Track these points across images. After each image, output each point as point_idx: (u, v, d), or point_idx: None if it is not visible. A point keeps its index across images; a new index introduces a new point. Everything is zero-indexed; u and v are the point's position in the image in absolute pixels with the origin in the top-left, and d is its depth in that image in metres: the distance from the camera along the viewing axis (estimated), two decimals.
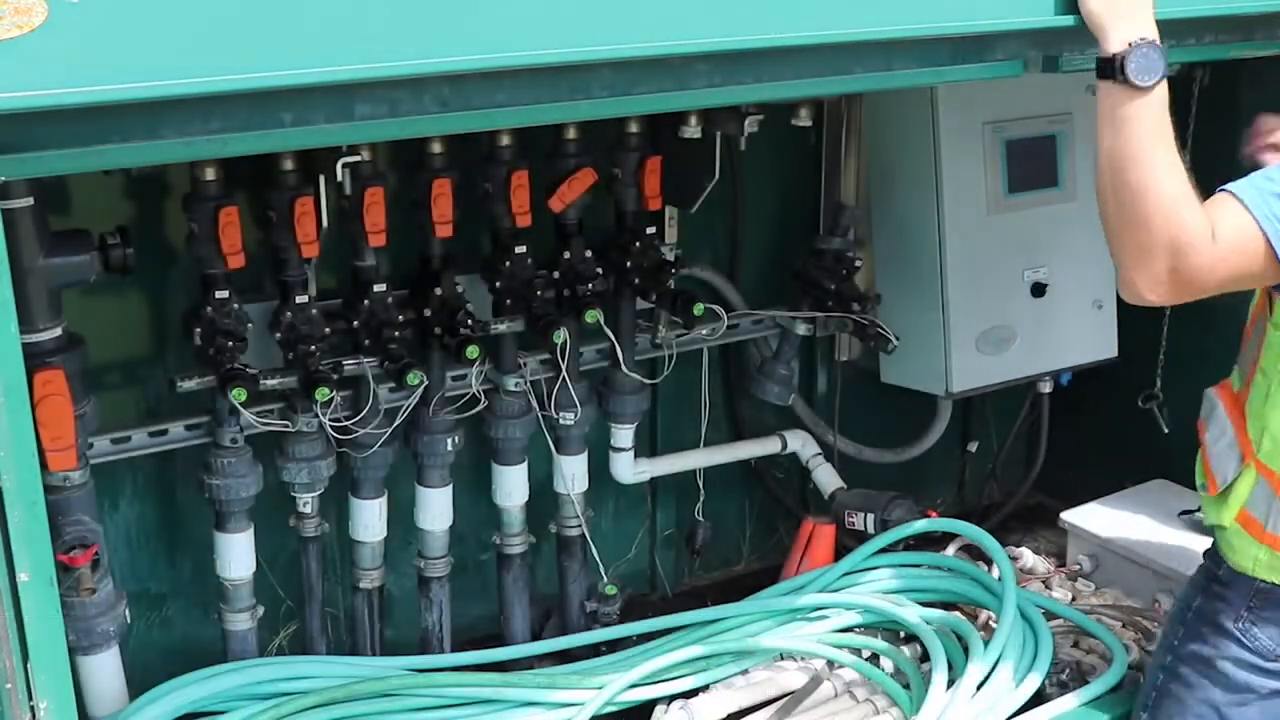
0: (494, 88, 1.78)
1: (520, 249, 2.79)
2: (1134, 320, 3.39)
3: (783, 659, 2.86)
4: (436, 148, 2.62)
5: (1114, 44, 1.94)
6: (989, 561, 3.06)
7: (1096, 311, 3.39)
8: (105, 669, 2.51)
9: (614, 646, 2.98)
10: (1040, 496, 3.79)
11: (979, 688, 2.62)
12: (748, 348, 3.39)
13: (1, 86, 1.43)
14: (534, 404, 2.95)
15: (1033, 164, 3.16)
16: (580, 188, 2.75)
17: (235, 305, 2.54)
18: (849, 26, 1.91)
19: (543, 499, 3.10)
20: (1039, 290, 3.27)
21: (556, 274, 2.87)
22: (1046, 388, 3.53)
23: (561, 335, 2.84)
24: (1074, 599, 3.19)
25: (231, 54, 1.54)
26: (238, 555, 2.70)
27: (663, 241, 3.05)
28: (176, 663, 2.71)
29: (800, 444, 3.42)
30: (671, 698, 2.77)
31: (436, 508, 2.92)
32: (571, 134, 2.76)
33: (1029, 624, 2.84)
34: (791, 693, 2.76)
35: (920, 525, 3.14)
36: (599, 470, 3.16)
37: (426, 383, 2.72)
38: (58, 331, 2.26)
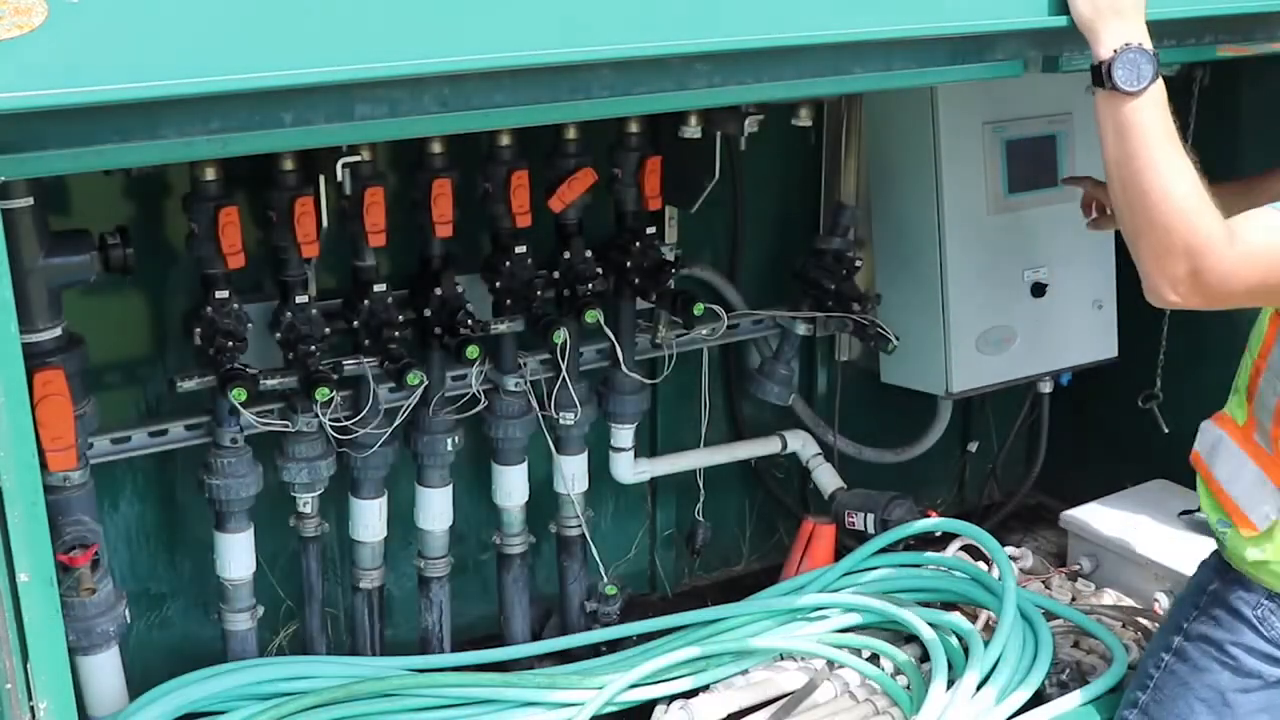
0: (494, 88, 1.77)
1: (520, 249, 2.79)
2: (1134, 320, 3.39)
3: (783, 659, 2.86)
4: (436, 148, 2.62)
5: (1102, 50, 1.95)
6: (989, 561, 3.06)
7: (1096, 311, 3.39)
8: (105, 669, 2.51)
9: (614, 646, 2.98)
10: (1040, 496, 3.79)
11: (979, 688, 2.62)
12: (748, 348, 3.39)
13: (1, 86, 1.43)
14: (534, 404, 2.95)
15: (1033, 164, 3.16)
16: (580, 188, 2.75)
17: (235, 305, 2.54)
18: (849, 26, 1.91)
19: (543, 499, 3.10)
20: (1039, 290, 3.27)
21: (556, 274, 2.87)
22: (1046, 388, 3.53)
23: (561, 335, 2.84)
24: (1074, 599, 3.19)
25: (231, 54, 1.54)
26: (238, 555, 2.70)
27: (663, 241, 3.06)
28: (176, 663, 2.71)
29: (800, 444, 3.42)
30: (671, 698, 2.77)
31: (436, 508, 2.92)
32: (571, 134, 2.76)
33: (1029, 624, 2.84)
34: (791, 693, 2.76)
35: (920, 525, 3.14)
36: (599, 470, 3.16)
37: (426, 383, 2.72)
38: (58, 331, 2.26)
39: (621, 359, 3.01)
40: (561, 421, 2.99)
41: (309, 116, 1.69)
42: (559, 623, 3.18)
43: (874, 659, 2.84)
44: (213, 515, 2.70)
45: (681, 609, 3.04)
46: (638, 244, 2.92)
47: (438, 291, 2.72)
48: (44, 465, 2.05)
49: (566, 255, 2.86)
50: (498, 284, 2.81)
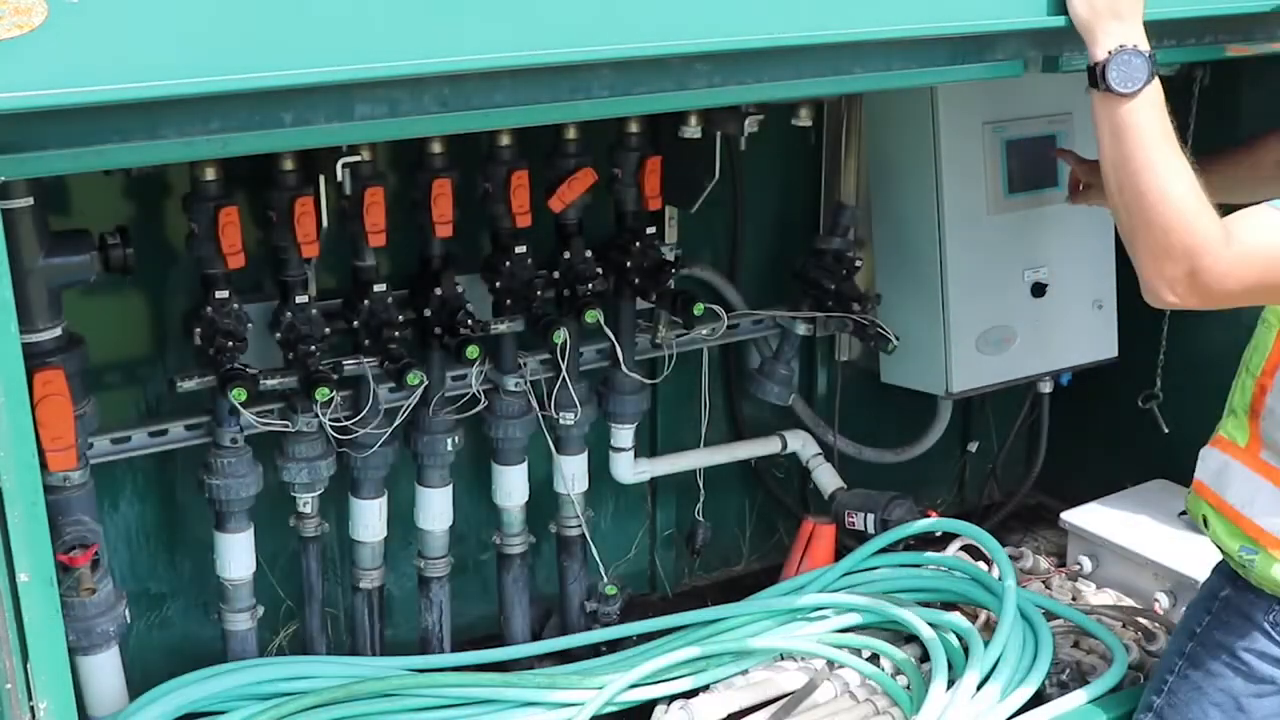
0: (494, 88, 1.77)
1: (520, 249, 2.79)
2: (1134, 320, 3.39)
3: (783, 659, 2.86)
4: (436, 148, 2.62)
5: (1098, 52, 1.95)
6: (989, 561, 3.06)
7: (1096, 311, 3.39)
8: (105, 669, 2.51)
9: (614, 646, 2.98)
10: (1040, 496, 3.80)
11: (979, 688, 2.62)
12: (748, 348, 3.39)
13: (1, 86, 1.43)
14: (534, 404, 2.95)
15: (1033, 164, 3.16)
16: (580, 188, 2.75)
17: (235, 305, 2.54)
18: (849, 26, 1.91)
19: (543, 499, 3.10)
20: (1039, 290, 3.27)
21: (556, 274, 2.87)
22: (1046, 388, 3.53)
23: (561, 335, 2.84)
24: (1074, 599, 3.19)
25: (231, 54, 1.54)
26: (238, 555, 2.70)
27: (663, 241, 3.06)
28: (176, 663, 2.71)
29: (800, 444, 3.42)
30: (671, 698, 2.77)
31: (436, 508, 2.92)
32: (571, 134, 2.76)
33: (1029, 624, 2.84)
34: (791, 693, 2.76)
35: (920, 525, 3.14)
36: (599, 470, 3.16)
37: (426, 383, 2.72)
38: (58, 331, 2.26)
39: (621, 359, 3.01)
40: (561, 421, 2.99)
41: (309, 116, 1.69)
42: (559, 623, 3.18)
43: (874, 659, 2.84)
44: (213, 515, 2.70)
45: (681, 609, 3.04)
46: (638, 244, 2.92)
47: (438, 291, 2.72)
48: (44, 465, 2.05)
49: (566, 255, 2.86)
50: (498, 284, 2.81)
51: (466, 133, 2.48)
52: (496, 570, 3.11)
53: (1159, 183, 1.92)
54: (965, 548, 3.15)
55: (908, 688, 2.75)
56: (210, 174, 2.44)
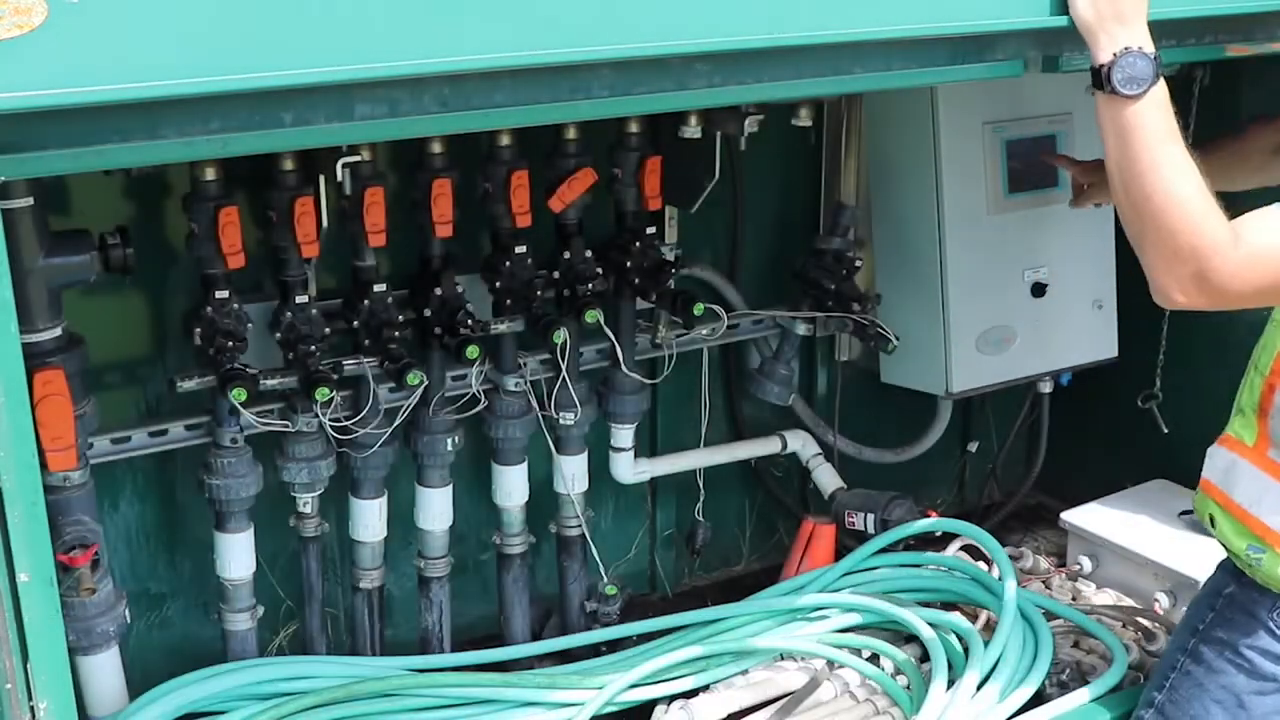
0: (494, 88, 1.77)
1: (520, 249, 2.79)
2: (1134, 320, 3.39)
3: (783, 659, 2.86)
4: (436, 148, 2.62)
5: (1102, 54, 1.94)
6: (989, 561, 3.06)
7: (1096, 311, 3.39)
8: (105, 669, 2.51)
9: (614, 646, 2.98)
10: (1040, 496, 3.80)
11: (979, 688, 2.62)
12: (748, 348, 3.39)
13: (1, 86, 1.43)
14: (534, 404, 2.95)
15: (1033, 164, 3.16)
16: (580, 188, 2.75)
17: (235, 305, 2.54)
18: (849, 26, 1.91)
19: (543, 499, 3.10)
20: (1039, 290, 3.27)
21: (556, 274, 2.87)
22: (1046, 388, 3.53)
23: (561, 335, 2.84)
24: (1074, 599, 3.19)
25: (231, 54, 1.54)
26: (238, 555, 2.70)
27: (663, 241, 3.06)
28: (176, 663, 2.71)
29: (800, 444, 3.42)
30: (671, 698, 2.77)
31: (436, 508, 2.92)
32: (571, 134, 2.76)
33: (1029, 624, 2.84)
34: (791, 693, 2.76)
35: (920, 525, 3.14)
36: (599, 470, 3.16)
37: (426, 383, 2.72)
38: (58, 331, 2.26)
39: (621, 359, 3.01)
40: (561, 421, 2.99)
41: (309, 116, 1.69)
42: (559, 623, 3.18)
43: (874, 659, 2.84)
44: (213, 515, 2.70)
45: (681, 609, 3.04)
46: (638, 244, 2.92)
47: (438, 291, 2.72)
48: (44, 465, 2.05)
49: (566, 255, 2.86)
50: (498, 284, 2.81)
51: (466, 133, 2.48)
52: (496, 570, 3.11)
53: (1165, 184, 1.92)
54: (965, 548, 3.15)
55: (908, 688, 2.75)
56: (210, 174, 2.44)
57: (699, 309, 2.94)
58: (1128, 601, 3.16)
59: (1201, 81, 3.22)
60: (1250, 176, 2.09)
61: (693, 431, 3.38)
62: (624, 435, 3.15)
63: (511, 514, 3.04)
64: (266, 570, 2.85)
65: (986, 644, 2.72)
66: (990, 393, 3.47)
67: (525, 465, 3.01)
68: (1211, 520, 2.26)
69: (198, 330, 2.53)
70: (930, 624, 2.83)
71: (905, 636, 2.89)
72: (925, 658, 2.80)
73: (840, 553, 3.21)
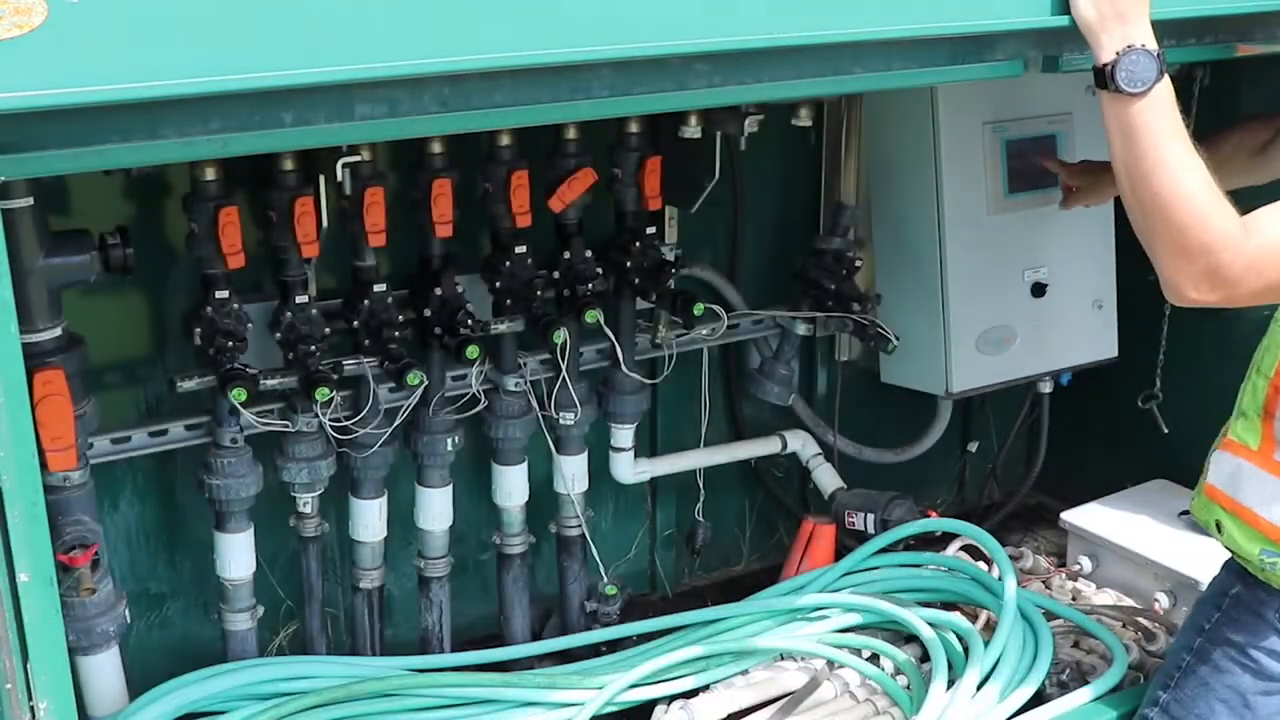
0: (494, 88, 1.77)
1: (520, 249, 2.79)
2: (1134, 320, 3.39)
3: (783, 659, 2.86)
4: (436, 148, 2.62)
5: (1105, 53, 1.94)
6: (989, 561, 3.06)
7: (1096, 311, 3.39)
8: (105, 669, 2.51)
9: (614, 646, 2.98)
10: (1040, 496, 3.80)
11: (979, 688, 2.62)
12: (748, 348, 3.39)
13: (1, 86, 1.43)
14: (534, 404, 2.95)
15: (1033, 164, 3.16)
16: (580, 188, 2.75)
17: (235, 305, 2.54)
18: (849, 26, 1.91)
19: (543, 499, 3.10)
20: (1039, 290, 3.27)
21: (556, 274, 2.87)
22: (1046, 388, 3.53)
23: (561, 335, 2.84)
24: (1074, 599, 3.19)
25: (231, 54, 1.54)
26: (238, 555, 2.70)
27: (663, 241, 3.06)
28: (176, 663, 2.71)
29: (800, 444, 3.42)
30: (671, 698, 2.77)
31: (436, 508, 2.92)
32: (571, 134, 2.76)
33: (1029, 624, 2.84)
34: (791, 693, 2.76)
35: (920, 525, 3.14)
36: (599, 470, 3.16)
37: (426, 383, 2.72)
38: (58, 331, 2.26)
39: (621, 359, 3.01)
40: (561, 421, 2.99)
41: (309, 116, 1.69)
42: (559, 623, 3.18)
43: (874, 659, 2.84)
44: (213, 515, 2.70)
45: (681, 609, 3.04)
46: (638, 244, 2.92)
47: (438, 291, 2.72)
48: (44, 465, 2.05)
49: (566, 255, 2.86)
50: (498, 284, 2.81)
51: (466, 133, 2.48)
52: (496, 570, 3.11)
53: (1172, 181, 1.92)
54: (965, 548, 3.15)
55: (908, 688, 2.75)
56: (210, 174, 2.43)
57: (699, 309, 2.94)
58: (1128, 601, 3.16)
59: (1201, 81, 3.22)
60: (1234, 177, 2.09)
61: (693, 431, 3.38)
62: (624, 435, 3.15)
63: (511, 514, 3.04)
64: (266, 570, 2.85)
65: (986, 644, 2.72)
66: (990, 393, 3.47)
67: (525, 465, 3.01)
68: (1218, 526, 2.25)
69: (198, 330, 2.53)
70: (930, 624, 2.83)
71: (905, 636, 2.89)
72: (925, 658, 2.80)
73: (840, 553, 3.21)
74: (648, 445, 3.34)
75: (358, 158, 2.50)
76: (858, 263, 3.18)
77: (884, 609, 2.90)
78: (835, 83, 2.06)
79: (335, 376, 2.60)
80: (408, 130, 1.79)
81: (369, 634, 2.92)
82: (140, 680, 2.60)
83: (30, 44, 1.43)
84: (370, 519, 2.85)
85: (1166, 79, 1.95)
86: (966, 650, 2.73)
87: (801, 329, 3.28)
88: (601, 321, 2.87)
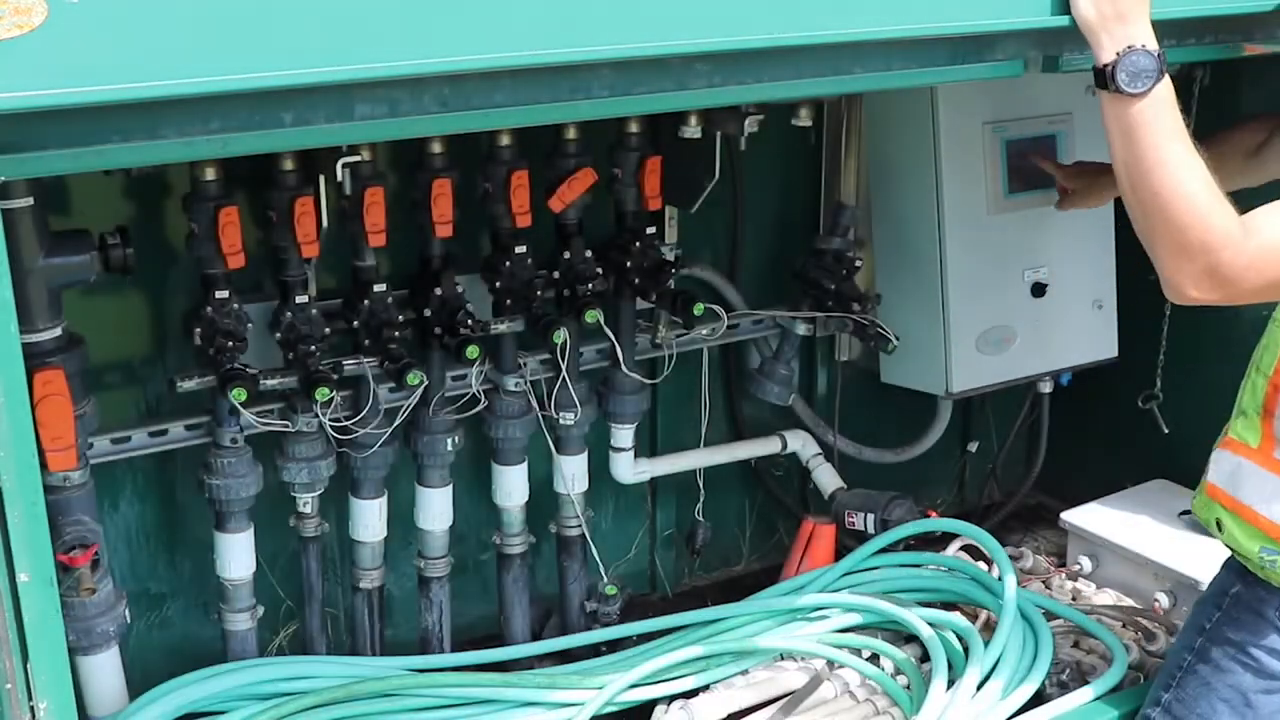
0: (494, 88, 1.77)
1: (520, 249, 2.79)
2: (1134, 320, 3.39)
3: (783, 659, 2.86)
4: (436, 148, 2.62)
5: (1105, 54, 1.94)
6: (989, 561, 3.06)
7: (1096, 311, 3.39)
8: (105, 669, 2.51)
9: (614, 646, 2.98)
10: (1040, 496, 3.80)
11: (979, 688, 2.62)
12: (748, 348, 3.39)
13: (1, 86, 1.43)
14: (534, 404, 2.95)
15: (1033, 164, 3.16)
16: (580, 188, 2.75)
17: (235, 305, 2.54)
18: (849, 26, 1.91)
19: (543, 499, 3.10)
20: (1039, 290, 3.27)
21: (556, 274, 2.87)
22: (1046, 388, 3.53)
23: (561, 335, 2.84)
24: (1074, 599, 3.19)
25: (231, 54, 1.54)
26: (238, 555, 2.70)
27: (663, 241, 3.06)
28: (176, 663, 2.71)
29: (800, 444, 3.42)
30: (671, 698, 2.77)
31: (436, 508, 2.92)
32: (571, 134, 2.76)
33: (1029, 624, 2.84)
34: (792, 693, 2.76)
35: (920, 525, 3.14)
36: (599, 470, 3.16)
37: (426, 383, 2.72)
38: (58, 331, 2.26)
39: (621, 359, 3.01)
40: (561, 421, 2.99)
41: (309, 116, 1.69)
42: (559, 623, 3.18)
43: (874, 659, 2.84)
44: (213, 515, 2.70)
45: (681, 609, 3.04)
46: (638, 244, 2.92)
47: (438, 291, 2.72)
48: (44, 465, 2.05)
49: (566, 255, 2.86)
50: (498, 284, 2.81)
51: (466, 133, 2.48)
52: (496, 570, 3.11)
53: (1173, 180, 1.92)
54: (965, 548, 3.15)
55: (908, 688, 2.75)
56: (210, 174, 2.43)
57: (699, 309, 2.94)
58: (1128, 601, 3.16)
59: (1201, 81, 3.22)
60: (1229, 179, 2.10)
61: (693, 431, 3.38)
62: (624, 435, 3.15)
63: (511, 514, 3.04)
64: (266, 570, 2.85)
65: (986, 644, 2.72)
66: (990, 393, 3.47)
67: (525, 465, 3.01)
68: (1219, 524, 2.25)
69: (198, 330, 2.53)
70: (930, 624, 2.83)
71: (905, 636, 2.89)
72: (925, 658, 2.80)
73: (840, 553, 3.21)
74: (648, 445, 3.34)
75: (358, 158, 2.50)
76: (858, 263, 3.18)
77: (884, 609, 2.90)
78: (835, 83, 2.06)
79: (335, 376, 2.60)
80: (408, 130, 1.79)
81: (369, 634, 2.92)
82: (140, 680, 2.60)
83: (30, 44, 1.43)
84: (370, 519, 2.85)
85: (1167, 79, 1.95)
86: (966, 650, 2.73)
87: (801, 329, 3.28)
88: (601, 321, 2.87)
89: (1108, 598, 3.19)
